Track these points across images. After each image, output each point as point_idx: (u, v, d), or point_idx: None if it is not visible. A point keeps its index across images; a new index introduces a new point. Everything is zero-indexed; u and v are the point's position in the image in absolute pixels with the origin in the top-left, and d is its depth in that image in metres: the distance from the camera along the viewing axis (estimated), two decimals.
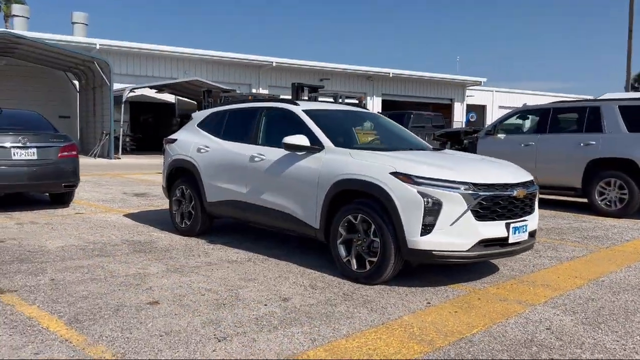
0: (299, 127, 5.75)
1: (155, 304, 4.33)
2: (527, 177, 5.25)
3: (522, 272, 5.53)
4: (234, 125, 6.63)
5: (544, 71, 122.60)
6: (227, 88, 15.35)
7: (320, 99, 16.54)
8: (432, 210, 4.60)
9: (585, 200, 9.98)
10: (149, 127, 32.32)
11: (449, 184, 4.66)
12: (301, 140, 5.47)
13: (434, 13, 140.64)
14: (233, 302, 4.40)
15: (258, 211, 5.99)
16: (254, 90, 29.21)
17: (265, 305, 4.36)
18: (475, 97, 38.50)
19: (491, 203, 4.77)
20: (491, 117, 41.29)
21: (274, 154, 5.86)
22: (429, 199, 4.61)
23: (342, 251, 5.14)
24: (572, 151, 9.88)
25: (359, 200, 5.04)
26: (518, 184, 5.01)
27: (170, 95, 29.74)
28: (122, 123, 23.15)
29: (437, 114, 22.89)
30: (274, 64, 29.62)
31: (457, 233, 4.65)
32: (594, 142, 9.68)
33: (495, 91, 41.42)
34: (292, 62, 30.00)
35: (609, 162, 9.50)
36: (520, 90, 43.49)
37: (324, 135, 5.56)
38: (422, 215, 4.60)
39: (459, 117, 36.39)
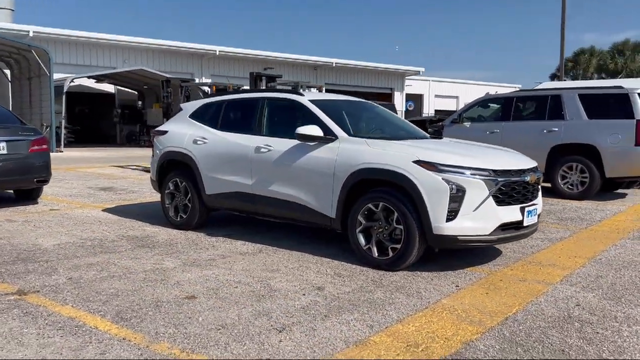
0: (309, 118, 5.77)
1: (193, 299, 4.27)
2: (533, 163, 5.51)
3: (524, 254, 5.81)
4: (233, 116, 6.56)
5: (475, 61, 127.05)
6: (187, 78, 15.02)
7: (278, 87, 16.46)
8: (457, 196, 4.77)
9: (548, 184, 10.52)
10: (86, 119, 31.05)
11: (472, 171, 4.84)
12: (314, 130, 5.50)
13: (373, 3, 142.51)
14: (270, 293, 4.41)
15: (266, 202, 5.98)
16: (196, 79, 28.67)
17: (304, 294, 4.40)
18: (413, 86, 39.37)
19: (509, 188, 4.99)
20: (428, 106, 42.42)
21: (282, 144, 5.85)
22: (454, 186, 4.77)
23: (362, 239, 5.22)
24: (536, 137, 10.37)
25: (379, 189, 5.13)
26: (529, 169, 5.26)
27: (110, 85, 28.70)
28: (63, 115, 22.14)
29: (390, 104, 23.32)
30: (218, 53, 29.17)
31: (480, 218, 4.84)
32: (557, 129, 10.21)
33: (432, 81, 42.52)
34: (236, 51, 29.64)
35: (571, 147, 10.06)
36: (454, 80, 44.85)
37: (336, 125, 5.61)
38: (448, 201, 4.76)
39: (399, 107, 37.13)
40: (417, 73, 36.55)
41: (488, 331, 3.69)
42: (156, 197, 9.68)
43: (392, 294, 4.42)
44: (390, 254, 5.04)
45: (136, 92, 29.52)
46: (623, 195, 10.63)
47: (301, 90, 6.46)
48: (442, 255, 5.51)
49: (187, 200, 6.77)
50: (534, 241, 6.41)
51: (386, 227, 5.07)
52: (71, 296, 4.30)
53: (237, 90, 13.94)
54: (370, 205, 5.14)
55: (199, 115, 6.91)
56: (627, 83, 13.51)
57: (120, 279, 4.76)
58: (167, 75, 23.96)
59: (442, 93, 43.09)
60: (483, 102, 11.95)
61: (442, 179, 4.78)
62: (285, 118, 6.19)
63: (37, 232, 6.63)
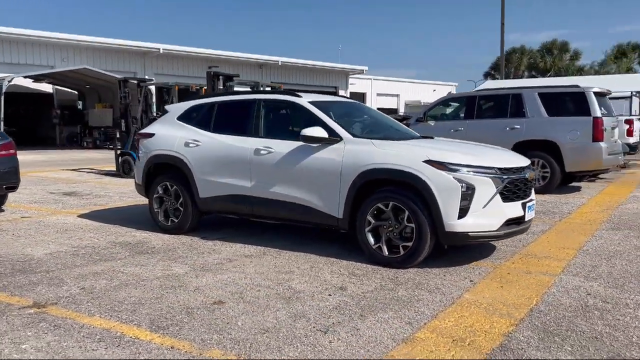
0: (310, 120, 5.81)
1: (222, 304, 4.24)
2: (527, 160, 5.78)
3: (516, 247, 6.08)
4: (227, 118, 6.49)
5: (413, 59, 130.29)
6: (145, 78, 14.59)
7: (236, 87, 16.31)
8: (467, 194, 4.95)
9: None
10: (21, 120, 29.60)
11: (480, 169, 5.04)
12: (319, 132, 5.55)
13: (317, 2, 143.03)
14: (295, 295, 4.43)
15: (266, 204, 5.97)
16: None
17: (330, 295, 4.45)
18: (356, 85, 39.89)
19: (512, 185, 5.22)
20: (370, 105, 43.06)
21: (283, 146, 5.87)
22: (464, 184, 4.95)
23: (371, 238, 5.33)
24: (499, 135, 10.79)
25: (389, 189, 5.25)
26: (527, 166, 5.52)
27: (48, 85, 27.50)
28: (1, 117, 21.03)
29: None
30: (162, 51, 28.50)
31: (489, 214, 5.04)
32: (519, 126, 10.68)
33: (374, 79, 43.21)
34: (180, 49, 29.06)
35: (533, 143, 10.54)
36: (395, 78, 45.77)
37: (340, 127, 5.67)
38: (459, 199, 4.93)
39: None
40: (362, 72, 37.03)
41: (520, 323, 3.87)
42: (128, 201, 9.47)
43: (413, 291, 4.54)
44: (402, 252, 5.16)
45: (76, 92, 28.44)
46: (578, 189, 11.23)
47: (298, 92, 6.41)
48: (444, 253, 5.68)
49: (178, 204, 6.65)
50: (520, 235, 6.70)
51: (396, 226, 5.19)
52: (93, 306, 4.18)
53: (208, 92, 13.73)
54: (379, 205, 5.25)
55: (188, 117, 6.80)
56: (582, 82, 14.24)
57: (136, 287, 4.65)
58: (110, 74, 23.27)
59: (384, 91, 43.90)
60: (446, 101, 12.32)
61: (454, 177, 4.95)
62: (284, 120, 6.20)
63: (20, 242, 6.34)
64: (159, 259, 5.59)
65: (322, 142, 5.59)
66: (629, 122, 15.47)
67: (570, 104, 10.50)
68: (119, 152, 13.56)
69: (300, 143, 5.74)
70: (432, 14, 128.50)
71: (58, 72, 23.53)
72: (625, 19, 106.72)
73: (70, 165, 16.50)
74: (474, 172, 5.01)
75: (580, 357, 3.34)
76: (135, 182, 7.30)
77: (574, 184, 11.56)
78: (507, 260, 5.55)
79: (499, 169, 5.14)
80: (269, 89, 17.21)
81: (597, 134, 10.10)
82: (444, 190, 4.95)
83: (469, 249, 5.87)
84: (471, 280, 4.85)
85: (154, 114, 13.64)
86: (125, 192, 10.71)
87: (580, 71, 48.54)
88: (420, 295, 4.45)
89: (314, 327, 3.77)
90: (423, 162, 5.06)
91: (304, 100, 6.06)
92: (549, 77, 44.81)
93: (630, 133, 15.12)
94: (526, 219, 5.39)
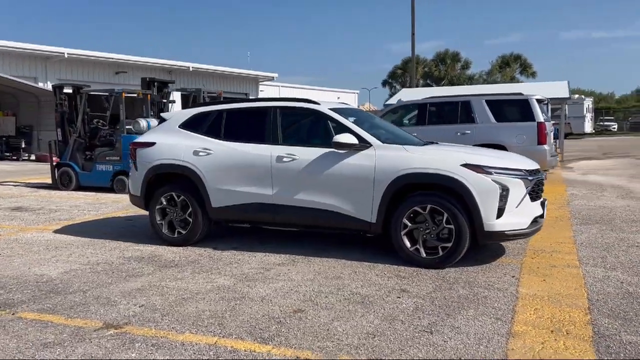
0: (336, 126, 5.89)
1: (302, 312, 4.22)
2: (537, 164, 6.22)
3: (518, 244, 6.48)
4: (239, 126, 6.37)
5: (317, 67, 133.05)
6: (82, 84, 13.66)
7: (176, 93, 15.81)
8: (503, 195, 5.27)
9: None
10: None
11: (513, 172, 5.38)
12: (350, 138, 5.64)
13: (226, 6, 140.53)
14: (366, 299, 4.49)
15: (292, 212, 5.95)
16: (40, 84, 26.06)
17: (399, 297, 4.56)
18: (265, 92, 39.89)
19: (536, 186, 5.62)
20: None
21: (307, 153, 5.88)
22: (500, 186, 5.26)
23: (407, 241, 5.50)
24: (451, 140, 11.33)
25: (426, 192, 5.44)
26: (540, 169, 5.96)
27: None
28: None
29: None
30: (66, 55, 26.85)
31: (521, 213, 5.39)
32: (469, 132, 11.36)
33: (282, 86, 43.46)
34: (87, 54, 27.56)
35: (483, 147, 11.23)
36: (302, 86, 46.34)
37: (367, 133, 5.80)
38: (498, 200, 5.24)
39: None
40: (272, 79, 37.12)
41: (590, 312, 4.20)
42: (92, 214, 8.96)
43: (471, 289, 4.76)
44: (440, 252, 5.38)
45: None
46: None
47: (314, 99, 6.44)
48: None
49: (187, 214, 6.43)
50: None
51: (433, 228, 5.40)
52: (173, 323, 4.00)
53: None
54: (416, 208, 5.43)
55: (192, 125, 6.59)
56: (525, 89, 15.36)
57: (197, 301, 4.49)
58: (12, 78, 21.65)
59: None
60: (395, 109, 12.78)
61: (492, 180, 5.25)
62: (304, 127, 6.21)
63: (18, 261, 5.85)
64: (191, 271, 5.40)
65: (352, 149, 5.68)
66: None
67: (516, 110, 11.33)
68: (55, 163, 12.68)
69: (326, 149, 5.80)
70: (327, 24, 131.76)
71: None
72: (498, 32, 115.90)
73: None
74: (507, 174, 5.34)
75: None
76: (131, 194, 6.94)
77: None
78: (524, 256, 5.93)
79: (527, 170, 5.52)
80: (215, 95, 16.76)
81: (542, 138, 10.98)
82: (484, 192, 5.23)
83: (480, 249, 6.20)
84: (513, 276, 5.16)
85: (98, 123, 12.90)
86: (79, 205, 10.09)
87: (470, 80, 51.95)
88: (481, 292, 4.68)
89: (415, 329, 3.87)
90: (461, 165, 5.32)
91: (325, 107, 6.12)
92: (442, 85, 47.45)
93: None
94: (545, 217, 5.81)
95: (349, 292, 4.68)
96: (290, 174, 5.93)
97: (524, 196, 5.40)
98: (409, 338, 3.70)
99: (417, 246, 5.45)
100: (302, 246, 6.36)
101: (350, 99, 49.70)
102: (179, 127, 6.65)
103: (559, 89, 20.35)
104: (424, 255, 5.43)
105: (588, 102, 41.85)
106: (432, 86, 47.36)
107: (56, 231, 7.54)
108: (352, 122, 5.95)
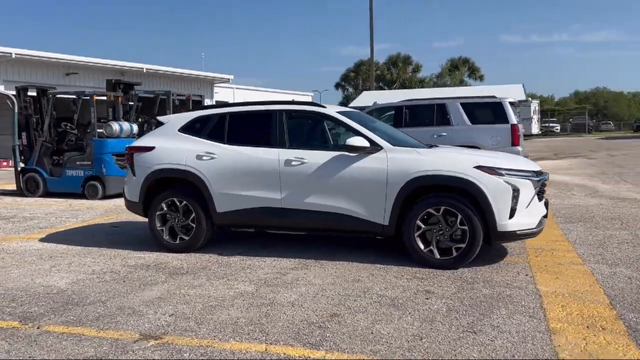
0: (344, 130, 5.91)
1: (338, 316, 4.21)
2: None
3: (517, 243, 6.64)
4: (243, 129, 6.29)
5: (270, 69, 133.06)
6: (47, 86, 13.07)
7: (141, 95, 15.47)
8: (514, 196, 5.40)
9: None
10: None
11: (522, 173, 5.53)
12: (362, 142, 5.68)
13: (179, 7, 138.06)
14: (397, 301, 4.52)
15: (302, 215, 5.92)
16: None
17: (427, 298, 4.61)
18: (220, 94, 39.45)
19: (541, 186, 5.80)
20: None
21: (316, 156, 5.87)
22: (511, 187, 5.40)
23: (420, 243, 5.56)
24: (427, 142, 11.58)
25: (439, 194, 5.52)
26: (542, 170, 6.15)
27: None
28: None
29: None
30: (14, 56, 25.75)
31: (530, 213, 5.55)
32: (445, 134, 11.59)
33: (236, 88, 43.10)
34: (36, 54, 26.52)
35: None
36: (257, 88, 46.09)
37: (377, 136, 5.84)
38: (511, 201, 5.37)
39: None
40: (228, 81, 36.70)
41: (613, 307, 4.37)
42: (73, 221, 8.71)
43: (493, 289, 4.86)
44: (454, 253, 5.47)
45: None
46: None
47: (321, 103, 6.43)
48: None
49: (189, 220, 6.29)
50: None
51: (447, 229, 5.49)
52: (213, 331, 3.93)
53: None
54: (430, 210, 5.51)
55: (193, 129, 6.46)
56: (483, 92, 15.73)
57: (228, 308, 4.41)
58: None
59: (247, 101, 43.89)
60: (371, 112, 12.88)
61: (504, 181, 5.39)
62: (312, 130, 6.19)
63: (17, 272, 5.61)
64: (206, 278, 5.30)
65: (364, 152, 5.71)
66: None
67: (490, 112, 11.64)
68: (20, 168, 12.15)
69: (337, 153, 5.81)
70: (280, 26, 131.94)
71: None
72: (443, 36, 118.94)
73: None
74: (517, 175, 5.49)
75: None
76: (127, 200, 6.73)
77: None
78: (527, 255, 6.09)
79: (534, 172, 5.69)
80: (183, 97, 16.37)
81: (515, 139, 11.33)
82: (497, 194, 5.35)
83: (484, 249, 6.34)
84: (526, 275, 5.30)
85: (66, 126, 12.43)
86: (54, 212, 9.73)
87: (422, 83, 53.00)
88: (503, 291, 4.79)
89: (457, 329, 3.93)
90: (474, 167, 5.43)
91: (332, 110, 6.13)
92: (394, 88, 48.22)
93: None
94: (547, 216, 6.00)
95: (376, 295, 4.70)
96: (300, 178, 5.90)
97: (533, 196, 5.56)
98: (455, 338, 3.76)
99: (431, 247, 5.53)
100: (309, 250, 6.34)
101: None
102: (179, 131, 6.51)
103: (515, 92, 21.06)
104: (438, 256, 5.51)
105: (535, 105, 43.45)
106: (384, 89, 48.01)
107: (42, 240, 7.24)
108: (361, 126, 5.98)
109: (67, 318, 4.24)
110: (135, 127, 12.30)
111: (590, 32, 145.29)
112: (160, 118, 6.87)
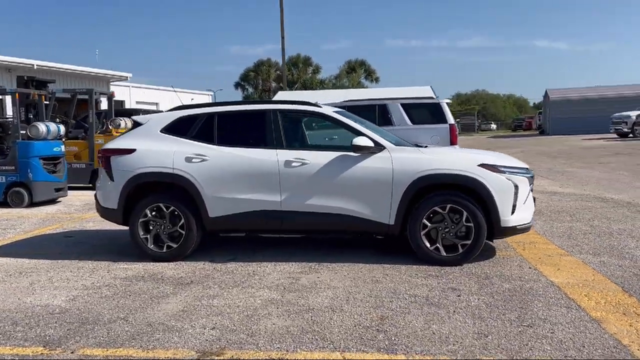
0: (345, 130, 5.84)
1: (388, 318, 4.15)
2: None
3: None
4: (235, 130, 6.00)
5: (169, 67, 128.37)
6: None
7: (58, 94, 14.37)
8: (515, 192, 5.62)
9: None
10: None
11: (519, 170, 5.76)
12: (367, 142, 5.64)
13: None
14: (430, 301, 4.52)
15: (303, 217, 5.76)
16: None
17: (459, 296, 4.66)
18: (115, 92, 37.53)
19: (532, 183, 6.08)
20: None
21: (319, 157, 5.75)
22: (512, 183, 5.61)
23: (425, 241, 5.62)
24: None
25: (445, 192, 5.60)
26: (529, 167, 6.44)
27: None
28: None
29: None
30: None
31: (527, 208, 5.79)
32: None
33: (132, 87, 41.29)
34: None
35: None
36: (153, 86, 44.46)
37: (379, 136, 5.82)
38: (513, 197, 5.57)
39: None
40: (126, 78, 34.96)
41: (631, 294, 4.64)
42: (18, 232, 7.87)
43: (511, 283, 5.00)
44: (460, 250, 5.58)
45: None
46: None
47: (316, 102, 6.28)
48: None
49: (178, 226, 5.90)
50: None
51: (452, 227, 5.59)
52: (272, 342, 3.73)
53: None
54: (436, 208, 5.58)
55: (177, 130, 6.07)
56: (396, 94, 16.14)
57: (268, 317, 4.21)
58: None
59: (143, 99, 42.10)
60: None
61: (506, 178, 5.58)
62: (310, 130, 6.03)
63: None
64: (218, 287, 5.00)
65: (368, 151, 5.67)
66: None
67: (428, 113, 12.03)
68: None
69: (339, 153, 5.73)
70: (177, 24, 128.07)
71: None
72: (331, 39, 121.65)
73: None
74: (516, 173, 5.71)
75: None
76: (102, 207, 6.18)
77: None
78: (515, 249, 6.31)
79: (526, 169, 5.94)
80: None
81: (454, 139, 11.79)
82: (501, 191, 5.53)
83: None
84: (529, 267, 5.52)
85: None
86: None
87: (322, 84, 53.72)
88: (522, 285, 4.94)
89: (512, 324, 3.99)
90: (478, 165, 5.57)
91: (329, 110, 6.02)
92: (296, 89, 48.50)
93: None
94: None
95: (408, 295, 4.68)
96: (301, 179, 5.74)
97: (529, 193, 5.82)
98: (517, 333, 3.82)
99: (437, 245, 5.60)
100: (304, 254, 6.17)
101: (206, 101, 48.63)
102: (161, 131, 6.08)
103: (425, 93, 21.96)
104: (444, 253, 5.59)
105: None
106: (285, 89, 48.07)
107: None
108: (361, 126, 5.93)
109: (96, 340, 3.81)
110: (62, 128, 11.36)
111: (469, 38, 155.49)
112: (137, 118, 6.37)
